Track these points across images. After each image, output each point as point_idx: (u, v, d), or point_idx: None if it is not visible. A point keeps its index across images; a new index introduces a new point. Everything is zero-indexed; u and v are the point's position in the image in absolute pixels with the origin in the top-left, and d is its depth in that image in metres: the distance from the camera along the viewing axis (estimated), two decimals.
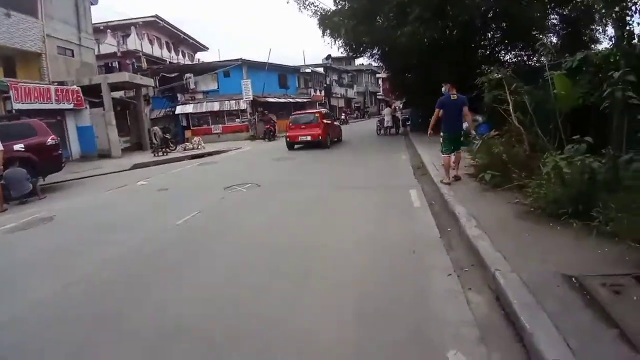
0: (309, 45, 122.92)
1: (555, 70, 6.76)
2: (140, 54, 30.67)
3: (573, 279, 2.92)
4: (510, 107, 7.04)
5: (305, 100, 34.19)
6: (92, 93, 18.71)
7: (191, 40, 40.28)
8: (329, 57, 43.56)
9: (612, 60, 6.29)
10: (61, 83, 17.95)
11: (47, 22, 18.26)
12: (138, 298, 3.58)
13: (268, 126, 22.92)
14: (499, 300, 2.89)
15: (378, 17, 15.05)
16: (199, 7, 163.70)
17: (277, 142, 21.41)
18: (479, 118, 12.93)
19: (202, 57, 43.11)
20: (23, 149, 9.95)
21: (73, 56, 20.41)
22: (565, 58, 8.10)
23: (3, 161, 8.78)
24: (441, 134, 7.11)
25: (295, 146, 16.09)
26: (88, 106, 18.63)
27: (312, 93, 35.97)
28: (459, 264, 3.64)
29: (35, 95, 15.68)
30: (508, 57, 16.93)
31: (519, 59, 16.57)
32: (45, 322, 3.27)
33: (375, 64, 27.91)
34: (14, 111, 14.39)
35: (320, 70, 41.04)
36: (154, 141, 18.10)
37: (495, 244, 3.64)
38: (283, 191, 7.92)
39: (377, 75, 59.00)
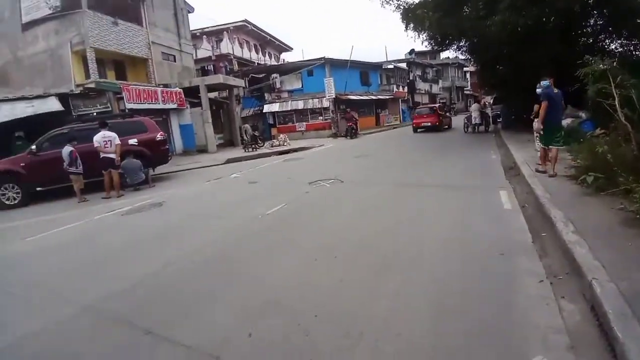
0: (391, 41, 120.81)
1: None
2: (232, 57, 32.93)
3: None
4: (617, 102, 6.35)
5: (387, 97, 33.87)
6: (191, 94, 20.62)
7: (277, 42, 42.08)
8: (412, 51, 42.56)
9: None
10: (165, 85, 20.04)
11: (151, 30, 20.49)
12: (230, 277, 4.03)
13: (350, 124, 23.17)
14: (593, 310, 2.74)
15: (465, 7, 14.37)
16: (284, 8, 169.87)
17: (359, 140, 21.61)
18: (582, 114, 11.79)
19: (286, 57, 44.88)
20: (136, 143, 11.38)
21: (175, 61, 22.63)
22: None
23: (120, 153, 10.14)
24: (541, 127, 7.04)
25: (418, 130, 22.45)
26: (188, 106, 20.54)
27: (395, 89, 35.43)
28: (552, 270, 3.48)
29: (145, 96, 17.74)
30: (613, 46, 15.07)
31: (626, 48, 14.67)
32: (150, 294, 3.82)
33: (463, 57, 26.53)
34: (126, 110, 16.44)
35: (403, 65, 40.20)
36: (244, 138, 19.48)
37: (594, 251, 3.40)
38: (366, 187, 8.07)
39: (465, 69, 56.13)
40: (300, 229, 5.54)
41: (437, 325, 2.79)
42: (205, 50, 32.43)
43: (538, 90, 7.26)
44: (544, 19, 12.45)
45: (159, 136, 12.06)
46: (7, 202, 10.17)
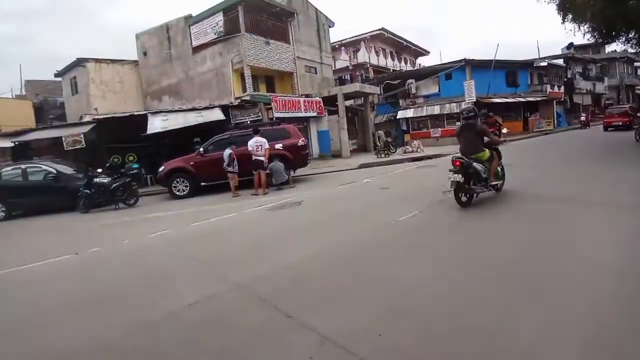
0: (544, 35, 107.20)
1: None
2: (368, 65, 33.82)
3: None
4: None
5: (539, 98, 30.22)
6: (328, 102, 21.82)
7: (413, 47, 41.59)
8: (570, 45, 36.91)
9: None
10: (307, 95, 21.62)
11: (296, 47, 22.42)
12: (364, 276, 4.10)
13: (492, 129, 21.35)
14: None
15: None
16: (421, 10, 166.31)
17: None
18: None
19: (423, 61, 43.93)
20: (281, 148, 12.56)
21: (316, 73, 24.28)
22: None
23: (268, 156, 11.33)
24: None
25: (609, 128, 23.80)
26: (326, 113, 21.78)
27: (548, 89, 31.29)
28: None
29: (289, 106, 19.43)
30: None
31: None
32: (293, 281, 4.14)
33: (633, 51, 21.94)
34: (274, 119, 18.27)
35: (560, 62, 35.27)
36: (377, 144, 19.73)
37: None
38: (515, 198, 7.29)
39: (636, 64, 46.64)
40: (433, 237, 5.30)
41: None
42: (343, 60, 34.02)
43: None
44: None
45: (301, 142, 13.09)
46: (177, 193, 12.47)
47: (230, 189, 11.37)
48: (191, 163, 12.58)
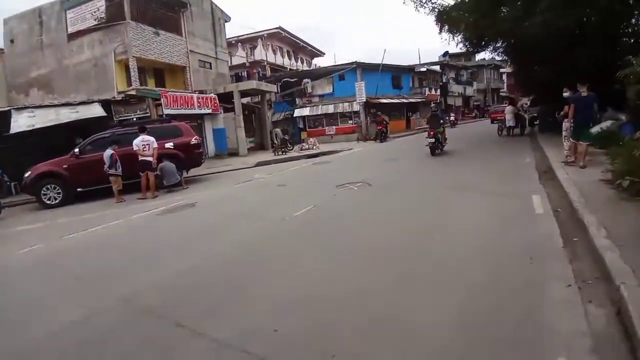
0: (424, 43, 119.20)
1: None
2: (265, 63, 33.67)
3: None
4: None
5: (419, 100, 33.50)
6: (224, 99, 21.23)
7: (309, 47, 42.61)
8: (446, 53, 41.74)
9: None
10: (201, 92, 20.73)
11: (189, 40, 21.35)
12: (260, 273, 4.17)
13: (380, 127, 23.04)
14: (619, 314, 2.65)
15: (503, 8, 14.00)
16: (318, 13, 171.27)
17: (389, 143, 21.50)
18: (622, 117, 11.25)
19: (318, 62, 45.32)
20: (172, 147, 11.86)
21: (211, 68, 23.42)
22: None
23: (157, 156, 10.57)
24: (571, 124, 8.40)
25: (494, 121, 24.06)
26: (222, 111, 21.15)
27: (427, 92, 34.92)
28: (581, 275, 3.37)
29: (181, 102, 18.41)
30: None
31: None
32: (182, 289, 3.99)
33: (499, 59, 25.82)
34: (164, 116, 17.16)
35: (436, 68, 39.60)
36: (275, 141, 19.81)
37: (625, 256, 3.27)
38: (393, 191, 8.05)
39: (501, 71, 54.55)
40: (328, 230, 5.60)
41: (466, 331, 2.75)
42: (239, 57, 33.31)
43: (565, 95, 8.88)
44: (585, 19, 11.93)
45: (194, 140, 12.51)
46: (48, 202, 10.89)
47: (114, 193, 10.33)
48: (64, 166, 11.08)
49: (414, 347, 2.62)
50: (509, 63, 24.93)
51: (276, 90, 27.84)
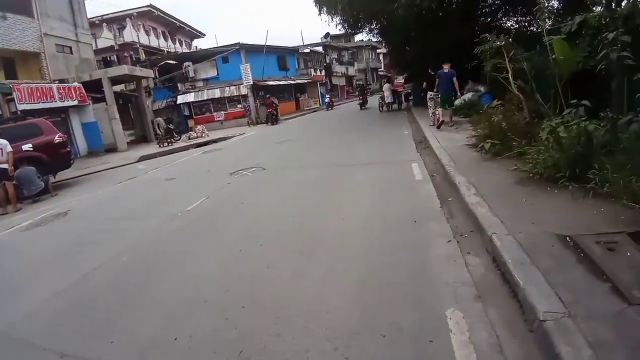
0: (307, 25, 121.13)
1: (556, 35, 6.70)
2: (138, 46, 30.58)
3: (567, 238, 3.03)
4: (510, 75, 7.02)
5: (305, 80, 34.00)
6: (93, 88, 18.82)
7: (187, 28, 39.95)
8: (327, 35, 42.88)
9: (606, 22, 6.22)
10: (62, 81, 18.03)
11: (43, 21, 18.27)
12: (153, 280, 3.80)
13: (270, 110, 22.88)
14: (495, 261, 3.03)
15: None
16: None
17: (280, 126, 21.49)
18: (481, 88, 12.85)
19: (199, 44, 42.84)
20: (31, 149, 10.17)
21: (72, 53, 20.46)
22: (565, 22, 7.98)
23: (13, 162, 8.93)
24: (438, 97, 10.40)
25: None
26: (91, 102, 18.75)
27: (313, 73, 35.64)
28: (458, 230, 3.77)
29: (38, 94, 15.81)
30: (510, 24, 16.58)
31: (521, 25, 16.22)
32: (64, 313, 3.46)
33: (375, 40, 27.52)
34: (19, 112, 14.60)
35: (320, 49, 40.52)
36: (158, 132, 18.26)
37: (493, 209, 3.75)
38: (287, 172, 8.09)
39: (378, 51, 58.11)
40: (223, 221, 5.38)
41: (362, 296, 2.91)
42: (106, 39, 29.72)
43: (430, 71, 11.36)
44: (446, 2, 13.19)
45: (57, 138, 10.88)
46: None
47: None
48: None
49: (318, 325, 2.65)
50: (383, 44, 26.57)
51: (153, 76, 25.54)
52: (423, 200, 4.85)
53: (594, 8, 14.15)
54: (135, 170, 12.27)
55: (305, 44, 39.25)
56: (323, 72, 39.14)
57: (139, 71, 21.67)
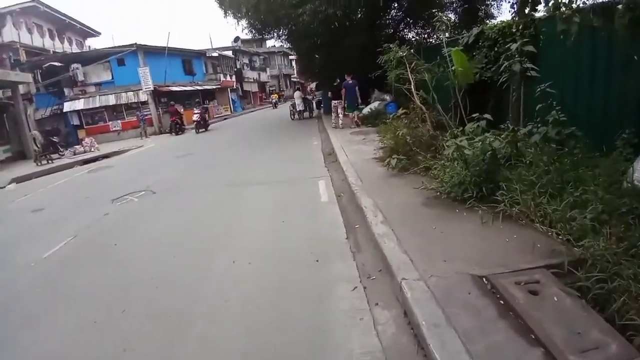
0: (215, 30, 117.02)
1: (454, 47, 6.69)
2: (18, 46, 26.33)
3: (484, 279, 2.63)
4: (412, 86, 6.86)
5: (214, 86, 32.26)
6: None
7: (79, 26, 35.58)
8: (237, 39, 41.45)
9: (507, 32, 6.32)
10: None
11: None
12: None
13: (174, 118, 21.03)
14: (406, 316, 2.51)
15: None
16: None
17: (185, 136, 19.88)
18: (387, 97, 12.96)
19: (93, 43, 38.49)
20: None
21: None
22: (462, 34, 8.15)
23: None
24: (344, 104, 11.96)
25: None
26: None
27: (222, 78, 33.99)
28: (365, 270, 3.23)
29: None
30: (411, 35, 17.15)
31: (421, 36, 16.87)
32: None
33: (286, 46, 27.05)
34: None
35: (229, 54, 38.94)
36: (35, 147, 15.45)
37: (402, 242, 3.28)
38: (180, 196, 7.02)
39: (290, 57, 57.97)
40: (85, 274, 4.17)
41: None
42: None
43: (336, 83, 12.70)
44: (351, 11, 13.10)
45: None
46: None
47: None
48: None
49: None
50: (293, 51, 26.25)
51: (35, 80, 22.08)
52: (328, 229, 4.25)
53: (488, 21, 15.34)
54: (3, 197, 10.11)
55: (213, 47, 37.47)
56: (234, 77, 37.67)
57: (14, 76, 18.52)
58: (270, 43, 48.47)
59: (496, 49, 6.73)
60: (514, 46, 4.24)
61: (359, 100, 12.19)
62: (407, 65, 7.13)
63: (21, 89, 20.55)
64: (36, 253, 4.94)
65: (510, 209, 3.53)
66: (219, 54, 35.05)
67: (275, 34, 19.48)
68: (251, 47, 46.51)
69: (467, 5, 16.18)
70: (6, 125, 19.79)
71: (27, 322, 3.29)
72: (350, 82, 11.64)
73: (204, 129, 20.47)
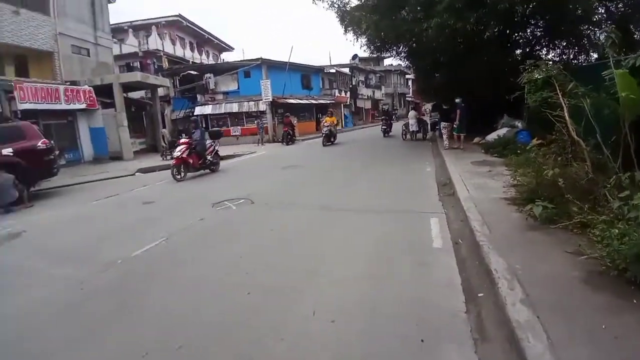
0: (335, 47, 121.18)
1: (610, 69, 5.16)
2: (162, 54, 30.26)
3: None
4: (565, 112, 5.45)
5: (328, 101, 32.81)
6: (106, 93, 18.13)
7: (216, 41, 39.77)
8: (355, 56, 42.10)
9: None
10: (73, 83, 17.39)
11: (59, 20, 17.77)
12: None
13: (286, 129, 21.66)
14: None
15: (403, 10, 13.49)
16: (226, 7, 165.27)
17: (295, 146, 20.25)
18: (518, 124, 11.27)
19: (227, 57, 42.61)
20: (12, 154, 9.19)
21: (89, 55, 19.93)
22: (626, 55, 6.38)
23: None
24: (455, 124, 12.51)
25: None
26: (100, 107, 18.02)
27: (337, 94, 34.47)
28: None
29: (43, 95, 15.10)
30: (551, 55, 14.92)
31: (563, 57, 14.58)
32: None
33: (404, 64, 26.22)
34: (19, 112, 13.90)
35: (346, 70, 39.47)
36: (163, 144, 17.10)
37: (556, 347, 2.20)
38: (275, 211, 6.62)
39: (407, 77, 56.79)
40: (157, 287, 3.88)
41: None
42: (131, 46, 29.55)
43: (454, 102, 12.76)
44: (482, 26, 11.79)
45: (41, 144, 9.87)
46: None
47: None
48: None
49: None
50: (411, 68, 25.27)
51: (172, 85, 24.90)
52: (440, 292, 3.25)
53: None
54: (126, 184, 11.14)
55: (332, 64, 38.36)
56: (348, 93, 37.97)
57: (152, 79, 20.98)
58: (387, 62, 48.13)
59: None
60: None
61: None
62: (558, 87, 5.75)
63: (160, 91, 23.23)
64: (127, 250, 4.96)
65: None
66: (336, 71, 35.68)
67: (394, 51, 18.89)
68: (368, 65, 46.68)
69: (618, 26, 13.44)
70: (144, 121, 22.45)
71: (88, 328, 3.00)
72: (463, 104, 12.41)
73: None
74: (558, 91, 5.71)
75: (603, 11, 13.56)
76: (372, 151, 15.48)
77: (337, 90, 34.66)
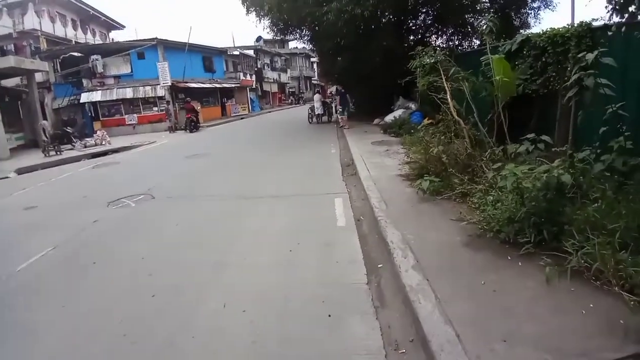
0: (238, 28, 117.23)
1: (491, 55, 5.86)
2: (39, 34, 26.33)
3: None
4: (448, 95, 6.05)
5: (233, 85, 31.83)
6: None
7: (103, 18, 35.71)
8: (259, 38, 41.14)
9: (559, 40, 5.50)
10: None
11: None
12: None
13: (189, 115, 20.53)
14: None
15: None
16: None
17: (199, 134, 19.35)
18: (412, 105, 12.15)
19: (117, 36, 38.54)
20: None
21: None
22: (502, 41, 7.26)
23: None
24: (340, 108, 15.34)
25: None
26: None
27: (242, 77, 33.56)
28: (392, 337, 2.46)
29: None
30: (439, 42, 16.29)
31: (450, 43, 16.00)
32: None
33: (307, 47, 26.42)
34: None
35: (251, 52, 38.54)
36: (44, 138, 15.02)
37: (442, 304, 2.50)
38: (178, 205, 6.34)
39: (312, 60, 57.43)
40: (47, 302, 3.49)
41: None
42: (5, 27, 25.12)
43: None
44: (379, 12, 12.36)
45: None
46: None
47: None
48: None
49: None
50: (315, 52, 25.60)
51: (47, 69, 21.73)
52: (344, 268, 3.46)
53: (522, 30, 14.36)
54: (1, 187, 9.66)
55: (235, 45, 37.09)
56: (254, 77, 37.22)
57: (29, 63, 18.29)
58: (292, 44, 48.08)
59: (543, 59, 5.92)
60: (589, 56, 3.38)
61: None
62: (442, 72, 6.34)
63: (39, 77, 20.39)
64: (11, 264, 4.34)
65: (580, 264, 2.72)
66: (240, 53, 34.63)
67: (297, 34, 18.99)
68: (273, 48, 46.10)
69: (500, 13, 15.20)
70: (20, 113, 19.60)
71: None
72: (343, 91, 16.24)
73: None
74: (442, 75, 6.30)
75: (487, 1, 15.16)
76: (279, 135, 15.48)
77: (242, 74, 33.73)
